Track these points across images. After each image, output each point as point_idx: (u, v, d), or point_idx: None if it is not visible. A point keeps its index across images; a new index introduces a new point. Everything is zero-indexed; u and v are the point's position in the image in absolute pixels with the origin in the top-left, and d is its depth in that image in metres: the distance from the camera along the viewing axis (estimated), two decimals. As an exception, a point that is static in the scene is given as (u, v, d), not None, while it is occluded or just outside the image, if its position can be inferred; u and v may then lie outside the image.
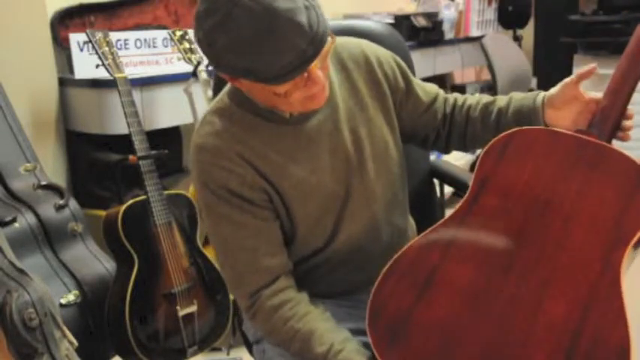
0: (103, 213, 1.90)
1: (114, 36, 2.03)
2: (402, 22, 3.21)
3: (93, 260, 1.82)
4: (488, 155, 1.02)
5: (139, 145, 1.83)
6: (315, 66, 0.89)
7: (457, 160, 3.23)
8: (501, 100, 1.15)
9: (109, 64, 1.88)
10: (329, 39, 0.91)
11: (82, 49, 2.08)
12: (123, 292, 1.75)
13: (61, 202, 1.79)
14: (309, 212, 1.06)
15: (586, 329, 0.83)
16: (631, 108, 1.04)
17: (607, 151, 0.97)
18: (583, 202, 0.93)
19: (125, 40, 2.16)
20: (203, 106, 2.09)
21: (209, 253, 1.96)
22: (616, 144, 1.01)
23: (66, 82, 2.17)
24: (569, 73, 3.65)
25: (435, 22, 3.39)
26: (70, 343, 1.46)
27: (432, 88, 1.21)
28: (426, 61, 3.42)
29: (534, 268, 0.91)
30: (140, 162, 1.82)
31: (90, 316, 1.75)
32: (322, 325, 1.01)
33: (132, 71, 2.11)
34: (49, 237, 1.75)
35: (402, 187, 1.19)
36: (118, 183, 2.21)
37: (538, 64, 4.45)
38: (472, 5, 3.74)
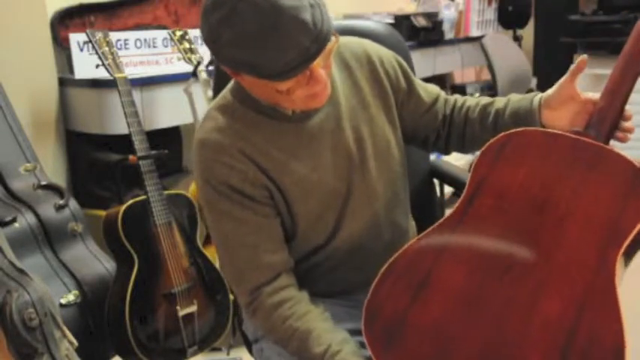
0: (103, 213, 1.90)
1: (114, 36, 2.03)
2: (402, 22, 3.21)
3: (93, 260, 1.83)
4: (485, 156, 1.02)
5: (139, 145, 1.83)
6: (317, 64, 0.90)
7: (457, 160, 3.23)
8: (499, 102, 1.16)
9: (109, 64, 1.88)
10: (332, 38, 0.91)
11: (82, 49, 2.08)
12: (123, 292, 1.75)
13: (61, 202, 1.79)
14: (310, 209, 1.06)
15: (581, 328, 0.84)
16: (629, 108, 1.04)
17: (603, 152, 0.96)
18: (579, 202, 0.93)
19: (125, 40, 2.16)
20: (203, 106, 2.09)
21: (209, 253, 1.96)
22: (615, 145, 1.01)
23: (66, 82, 2.17)
24: (569, 73, 3.65)
25: (435, 22, 3.39)
26: (70, 343, 1.46)
27: (434, 88, 1.22)
28: (426, 61, 3.43)
29: (530, 269, 0.91)
30: (140, 162, 1.82)
31: (90, 316, 1.75)
32: (321, 325, 1.02)
33: (132, 71, 2.11)
34: (49, 237, 1.75)
35: (403, 186, 1.19)
36: (118, 183, 2.21)
37: (538, 64, 4.45)
38: (472, 5, 3.74)
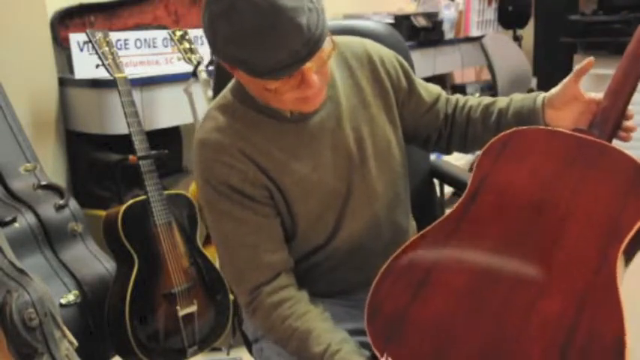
0: (103, 213, 1.90)
1: (114, 36, 2.03)
2: (402, 22, 3.21)
3: (93, 260, 1.83)
4: (487, 155, 1.02)
5: (139, 145, 1.83)
6: (310, 69, 0.90)
7: (457, 160, 3.23)
8: (502, 101, 1.16)
9: (109, 64, 1.88)
10: (328, 46, 0.91)
11: (82, 49, 2.08)
12: (123, 292, 1.75)
13: (61, 202, 1.79)
14: (310, 209, 1.06)
15: (581, 325, 0.84)
16: (631, 108, 1.04)
17: (606, 149, 0.97)
18: (581, 199, 0.93)
19: (125, 40, 2.16)
20: (203, 106, 2.09)
21: (209, 253, 1.96)
22: (618, 144, 1.01)
23: (66, 82, 2.17)
24: (569, 73, 3.65)
25: (435, 22, 3.39)
26: (70, 343, 1.46)
27: (435, 88, 1.22)
28: (426, 61, 3.43)
29: (531, 266, 0.91)
30: (140, 162, 1.82)
31: (90, 316, 1.75)
32: (320, 325, 1.02)
33: (132, 71, 2.11)
34: (49, 237, 1.75)
35: (404, 187, 1.19)
36: (118, 183, 2.21)
37: (538, 64, 4.45)
38: (472, 5, 3.74)
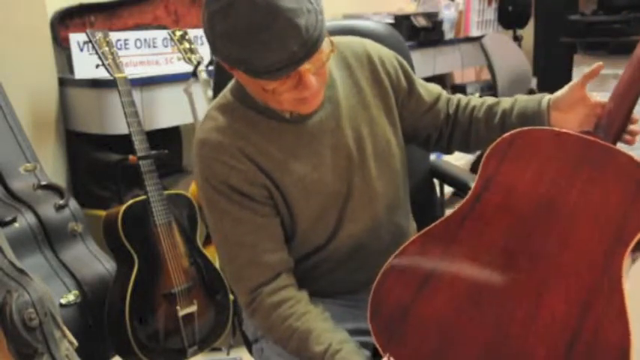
0: (103, 213, 1.90)
1: (114, 36, 2.03)
2: (402, 22, 3.21)
3: (93, 260, 1.83)
4: (493, 155, 1.02)
5: (139, 145, 1.83)
6: (307, 70, 0.90)
7: (457, 160, 3.23)
8: (506, 102, 1.16)
9: (109, 64, 1.88)
10: (326, 47, 0.91)
11: (82, 49, 2.08)
12: (123, 292, 1.75)
13: (61, 202, 1.79)
14: (310, 209, 1.06)
15: (587, 325, 0.84)
16: (636, 112, 1.04)
17: (612, 152, 0.97)
18: (587, 200, 0.93)
19: (125, 40, 2.16)
20: (203, 106, 2.09)
21: (209, 253, 1.96)
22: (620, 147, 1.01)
23: (66, 82, 2.17)
24: (569, 73, 3.65)
25: (435, 22, 3.39)
26: (70, 343, 1.46)
27: (435, 88, 1.22)
28: (426, 61, 3.42)
29: (536, 266, 0.91)
30: (140, 162, 1.82)
31: (90, 316, 1.75)
32: (320, 325, 1.02)
33: (132, 71, 2.11)
34: (49, 237, 1.75)
35: (404, 187, 1.19)
36: (118, 183, 2.21)
37: (538, 64, 4.44)
38: (472, 5, 3.74)
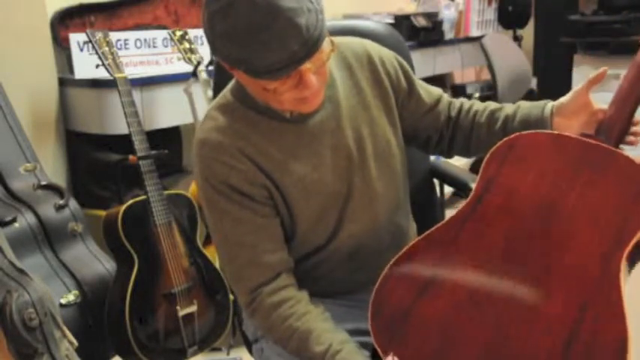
0: (103, 213, 1.90)
1: (114, 36, 2.03)
2: (402, 22, 3.21)
3: (93, 260, 1.83)
4: (494, 158, 1.03)
5: (139, 145, 1.84)
6: (308, 70, 0.90)
7: (457, 160, 3.23)
8: (509, 108, 1.16)
9: (109, 64, 1.88)
10: (327, 47, 0.91)
11: (82, 49, 2.08)
12: (123, 292, 1.75)
13: (61, 202, 1.79)
14: (310, 209, 1.06)
15: (584, 326, 0.84)
16: (638, 115, 1.05)
17: (613, 155, 0.97)
18: (587, 203, 0.93)
19: (125, 40, 2.16)
20: (203, 106, 2.09)
21: (209, 253, 1.96)
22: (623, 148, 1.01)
23: (66, 82, 2.17)
24: (569, 73, 3.65)
25: (435, 22, 3.39)
26: (70, 343, 1.46)
27: (436, 90, 1.22)
28: (426, 61, 3.42)
29: (535, 267, 0.91)
30: (140, 162, 1.82)
31: (90, 316, 1.75)
32: (321, 325, 1.02)
33: (132, 71, 2.11)
34: (49, 237, 1.75)
35: (404, 187, 1.19)
36: (118, 183, 2.21)
37: (538, 64, 4.44)
38: (472, 5, 3.74)
